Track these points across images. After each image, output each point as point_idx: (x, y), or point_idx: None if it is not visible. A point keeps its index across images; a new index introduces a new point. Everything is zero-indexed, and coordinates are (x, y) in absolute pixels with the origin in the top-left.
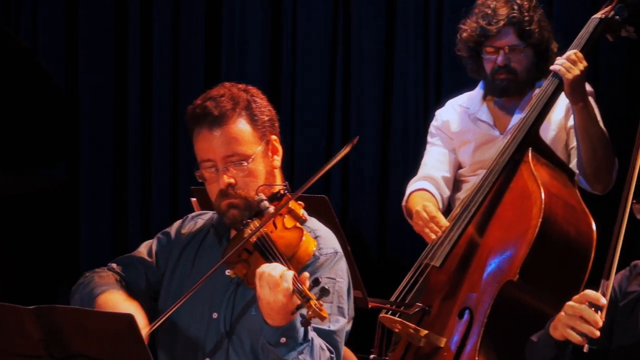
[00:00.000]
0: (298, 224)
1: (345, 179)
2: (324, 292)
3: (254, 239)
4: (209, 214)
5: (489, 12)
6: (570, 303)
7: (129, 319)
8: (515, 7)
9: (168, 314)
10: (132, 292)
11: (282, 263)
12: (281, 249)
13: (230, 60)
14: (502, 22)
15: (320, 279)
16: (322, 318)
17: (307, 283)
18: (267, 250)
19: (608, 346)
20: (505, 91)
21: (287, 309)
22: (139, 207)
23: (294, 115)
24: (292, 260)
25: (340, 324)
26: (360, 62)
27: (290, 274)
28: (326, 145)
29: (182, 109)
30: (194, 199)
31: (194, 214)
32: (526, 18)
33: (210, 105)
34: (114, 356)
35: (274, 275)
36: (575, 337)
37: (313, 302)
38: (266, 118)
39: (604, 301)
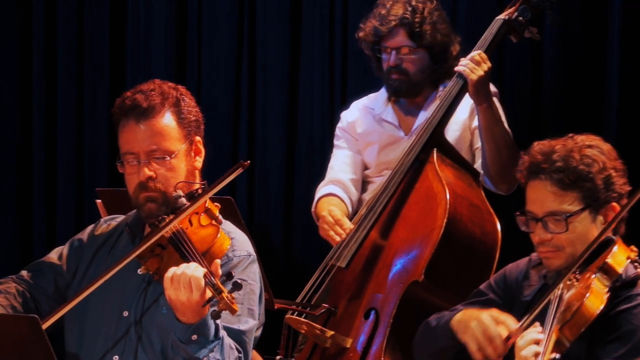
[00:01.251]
0: (214, 222)
1: (251, 181)
2: (237, 286)
3: (168, 233)
4: (122, 217)
5: (384, 12)
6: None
7: (33, 321)
8: (409, 8)
9: (66, 308)
10: (35, 299)
11: (196, 259)
12: (196, 244)
13: (135, 62)
14: (393, 23)
15: (233, 273)
16: (233, 311)
17: (219, 273)
18: (181, 245)
19: None
20: (398, 92)
21: (200, 305)
22: (44, 210)
23: None
24: (206, 256)
25: (250, 325)
26: (266, 64)
27: (201, 269)
28: (232, 149)
29: (87, 110)
30: (99, 201)
31: (107, 217)
32: (417, 19)
33: (140, 98)
34: (18, 358)
35: (187, 273)
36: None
37: (225, 295)
38: (193, 118)
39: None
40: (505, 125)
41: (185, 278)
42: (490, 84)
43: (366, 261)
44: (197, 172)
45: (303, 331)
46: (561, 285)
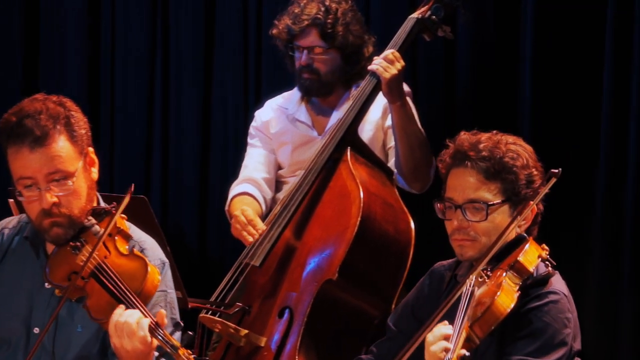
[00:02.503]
0: (136, 251)
1: (165, 178)
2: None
3: (90, 267)
4: (13, 222)
5: (297, 10)
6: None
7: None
8: (323, 8)
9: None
10: None
11: (132, 302)
12: (126, 281)
13: (48, 63)
14: (305, 22)
15: (181, 323)
16: None
17: (165, 322)
18: (107, 280)
19: None
20: (309, 91)
21: (145, 353)
22: None
23: (114, 119)
24: (140, 295)
25: (176, 337)
26: (179, 64)
27: (146, 321)
28: (146, 147)
29: None
30: (11, 200)
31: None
32: (330, 20)
33: (30, 124)
34: None
35: (131, 324)
36: None
37: (182, 352)
38: (84, 132)
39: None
40: (419, 124)
41: (129, 328)
42: (403, 83)
43: (280, 260)
44: (94, 184)
45: (217, 330)
46: (472, 282)
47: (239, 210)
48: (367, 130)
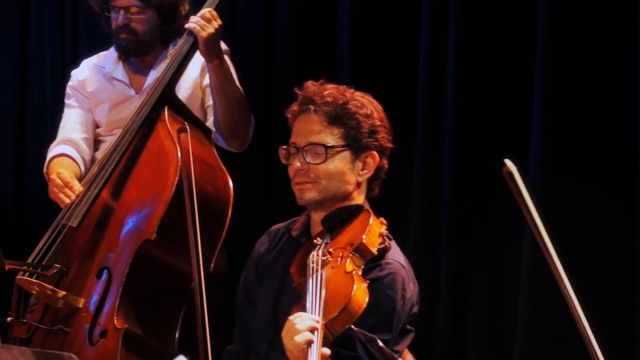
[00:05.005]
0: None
1: None
2: None
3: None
4: None
5: None
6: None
7: None
8: None
9: None
10: None
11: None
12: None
13: None
14: None
15: None
16: None
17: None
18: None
19: None
20: (127, 51)
21: None
22: None
23: None
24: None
25: None
26: None
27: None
28: None
29: None
30: None
31: None
32: None
33: None
34: None
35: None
36: None
37: None
38: None
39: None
40: (237, 82)
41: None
42: (221, 42)
43: (98, 220)
44: None
45: (34, 292)
46: (319, 257)
47: (55, 174)
48: (185, 88)
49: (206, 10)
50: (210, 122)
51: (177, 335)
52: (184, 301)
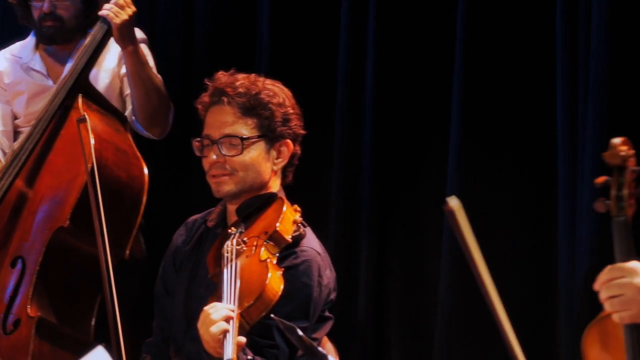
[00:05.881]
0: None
1: None
2: None
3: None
4: None
5: None
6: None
7: None
8: None
9: None
10: None
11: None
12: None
13: None
14: None
15: None
16: None
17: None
18: None
19: None
20: (53, 39)
21: None
22: None
23: None
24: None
25: None
26: None
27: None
28: None
29: None
30: None
31: None
32: None
33: None
34: None
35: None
36: None
37: None
38: None
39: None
40: (154, 69)
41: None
42: (138, 30)
43: (13, 210)
44: None
45: None
46: (233, 247)
47: None
48: (103, 78)
49: None
50: (129, 111)
51: (93, 323)
52: (99, 289)
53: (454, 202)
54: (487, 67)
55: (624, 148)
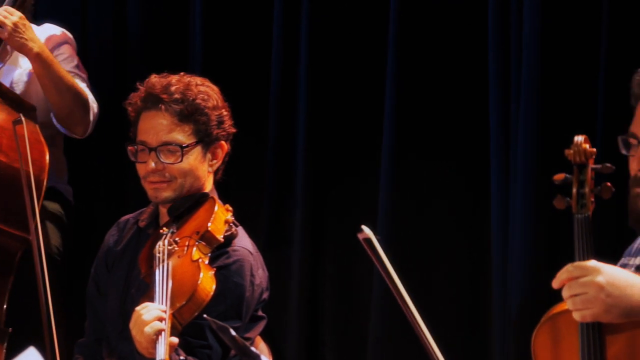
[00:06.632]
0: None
1: None
2: None
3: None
4: None
5: None
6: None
7: None
8: None
9: None
10: None
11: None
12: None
13: None
14: None
15: None
16: None
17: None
18: None
19: None
20: None
21: None
22: None
23: None
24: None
25: None
26: None
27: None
28: None
29: None
30: None
31: None
32: None
33: None
34: None
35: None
36: None
37: None
38: None
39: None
40: (64, 70)
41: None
42: (60, 30)
43: None
44: None
45: None
46: (165, 247)
47: None
48: (22, 77)
49: (2, 9)
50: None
51: (4, 308)
52: (9, 274)
53: (367, 230)
54: (420, 69)
55: (587, 146)
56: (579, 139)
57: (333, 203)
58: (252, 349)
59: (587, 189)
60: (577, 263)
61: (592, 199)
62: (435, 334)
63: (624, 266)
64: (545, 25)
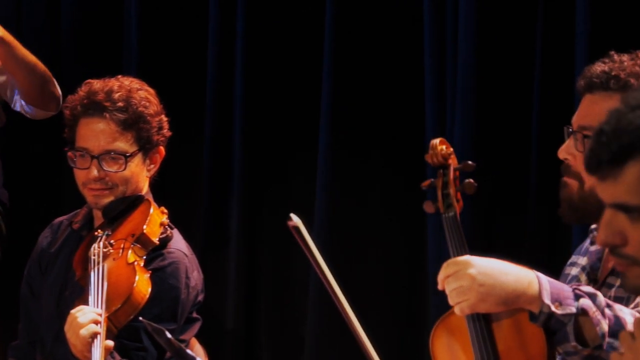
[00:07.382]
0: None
1: None
2: None
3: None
4: None
5: None
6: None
7: None
8: None
9: None
10: None
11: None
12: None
13: None
14: None
15: None
16: None
17: None
18: None
19: None
20: None
21: None
22: None
23: None
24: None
25: None
26: None
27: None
28: None
29: None
30: None
31: None
32: None
33: None
34: None
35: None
36: None
37: None
38: None
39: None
40: (23, 50)
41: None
42: None
43: None
44: None
45: None
46: (100, 250)
47: None
48: None
49: None
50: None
51: None
52: None
53: (295, 218)
54: (356, 66)
55: (443, 147)
56: (434, 141)
57: (270, 202)
58: (188, 351)
59: (451, 190)
60: (450, 260)
61: (459, 197)
62: (369, 328)
63: (573, 264)
64: (480, 20)
